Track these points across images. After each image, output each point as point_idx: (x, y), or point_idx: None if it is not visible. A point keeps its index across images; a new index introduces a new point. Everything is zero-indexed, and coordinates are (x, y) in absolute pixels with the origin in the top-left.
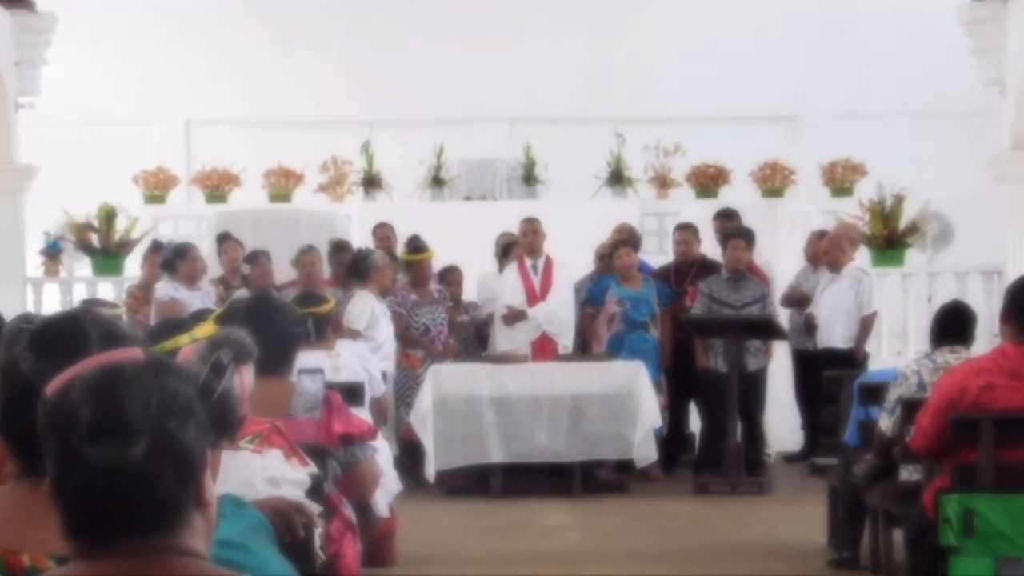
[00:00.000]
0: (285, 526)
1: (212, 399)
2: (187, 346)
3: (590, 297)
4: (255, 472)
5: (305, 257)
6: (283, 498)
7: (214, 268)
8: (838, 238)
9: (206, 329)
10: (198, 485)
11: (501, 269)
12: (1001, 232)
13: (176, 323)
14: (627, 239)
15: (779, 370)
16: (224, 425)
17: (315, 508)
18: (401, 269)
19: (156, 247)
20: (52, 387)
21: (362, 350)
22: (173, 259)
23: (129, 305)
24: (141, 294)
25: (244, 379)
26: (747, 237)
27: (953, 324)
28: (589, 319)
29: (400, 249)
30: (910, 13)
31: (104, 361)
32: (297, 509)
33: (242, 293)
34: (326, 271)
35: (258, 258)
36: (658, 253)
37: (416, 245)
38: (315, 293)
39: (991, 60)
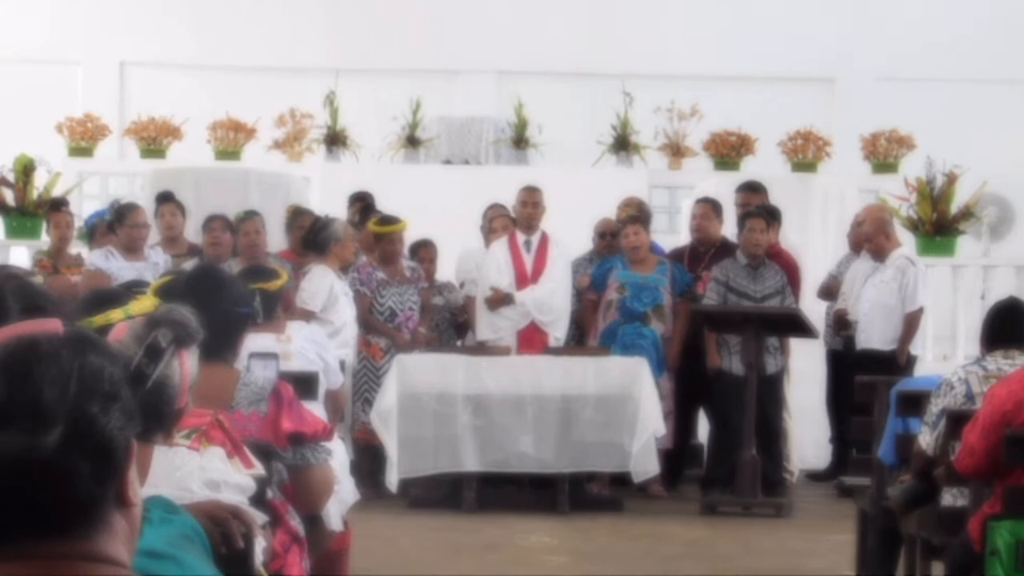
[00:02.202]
0: (222, 535)
1: (145, 387)
2: (120, 324)
3: (593, 281)
4: (192, 473)
5: (247, 224)
6: (219, 503)
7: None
8: (883, 220)
9: (144, 304)
10: (120, 481)
11: (488, 245)
12: None
13: (107, 295)
14: (637, 215)
15: (806, 373)
16: (158, 418)
17: (259, 517)
18: (367, 243)
19: (56, 205)
20: None
21: (317, 334)
22: (113, 221)
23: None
24: (49, 262)
25: (185, 366)
26: (768, 216)
27: (1009, 325)
28: (591, 307)
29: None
30: None
31: (17, 333)
32: (235, 516)
33: (189, 264)
34: (280, 241)
35: (211, 223)
36: (668, 232)
37: (385, 215)
38: (264, 266)
39: None
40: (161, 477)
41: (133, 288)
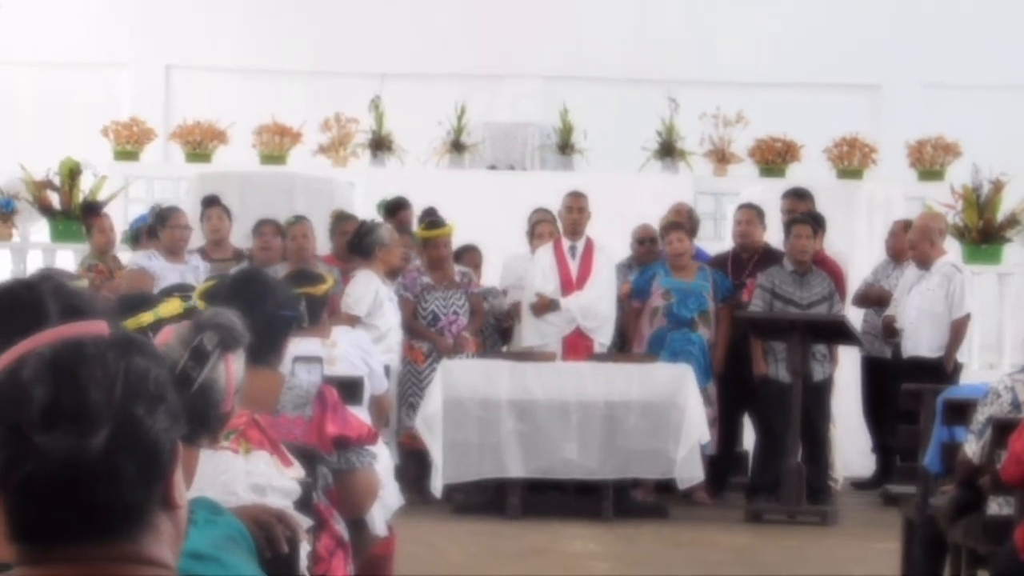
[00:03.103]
0: (267, 539)
1: (191, 390)
2: (166, 327)
3: (635, 289)
4: (237, 476)
5: (295, 228)
6: (265, 506)
7: (196, 238)
8: (928, 228)
9: (171, 307)
10: (166, 484)
11: (533, 251)
12: None
13: (138, 299)
14: (681, 221)
15: (847, 381)
16: (204, 421)
17: (304, 521)
18: (416, 247)
19: (95, 210)
20: (1, 363)
21: (362, 339)
22: (154, 224)
23: (92, 281)
24: (105, 267)
25: (231, 369)
26: (815, 223)
27: None
28: (634, 314)
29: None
30: None
31: (62, 335)
32: (280, 519)
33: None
34: (324, 246)
35: (262, 227)
36: (713, 239)
37: (433, 219)
38: (310, 271)
39: None
40: (207, 480)
41: (177, 292)
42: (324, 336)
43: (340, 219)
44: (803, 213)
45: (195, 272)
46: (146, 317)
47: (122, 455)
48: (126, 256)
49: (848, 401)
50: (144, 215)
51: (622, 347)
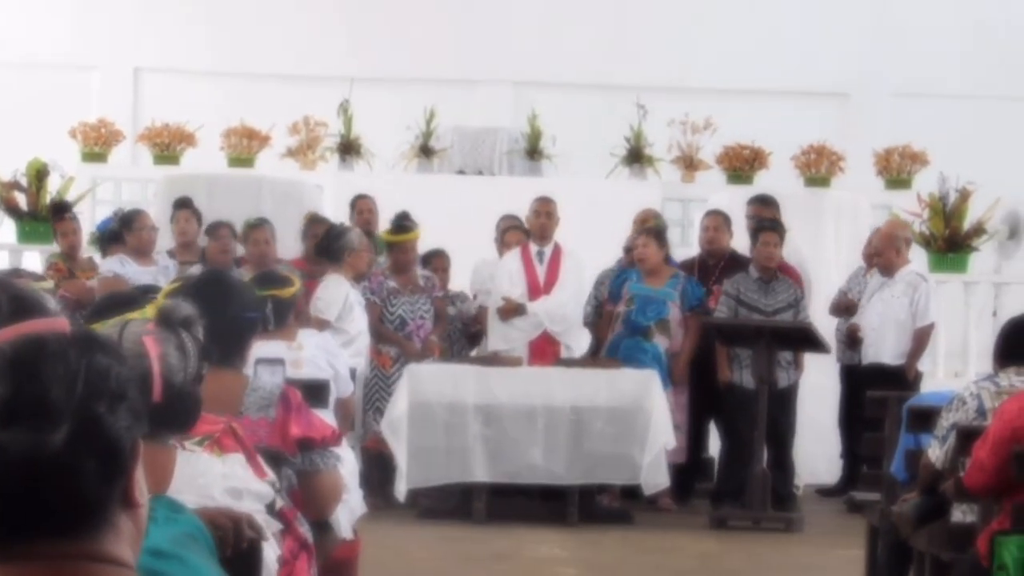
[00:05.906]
0: (224, 539)
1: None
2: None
3: (610, 294)
4: (214, 480)
5: (257, 232)
6: (224, 509)
7: (165, 240)
8: (893, 236)
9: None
10: (126, 482)
11: (501, 257)
12: None
13: (122, 299)
14: (650, 227)
15: (816, 388)
16: (184, 416)
17: (273, 525)
18: (380, 251)
19: (59, 208)
20: None
21: (328, 343)
22: (119, 229)
23: (50, 278)
24: (64, 266)
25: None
26: (780, 231)
27: (1020, 342)
28: (608, 318)
29: (384, 227)
30: None
31: (23, 331)
32: (236, 523)
33: (195, 270)
34: (293, 249)
35: (218, 230)
36: (680, 245)
37: (402, 223)
38: (277, 273)
39: None
40: (184, 483)
41: (147, 293)
42: (290, 339)
43: (313, 222)
44: (769, 220)
45: (165, 273)
46: (132, 317)
47: (82, 453)
48: (96, 257)
49: (816, 408)
50: (108, 219)
51: (595, 352)
